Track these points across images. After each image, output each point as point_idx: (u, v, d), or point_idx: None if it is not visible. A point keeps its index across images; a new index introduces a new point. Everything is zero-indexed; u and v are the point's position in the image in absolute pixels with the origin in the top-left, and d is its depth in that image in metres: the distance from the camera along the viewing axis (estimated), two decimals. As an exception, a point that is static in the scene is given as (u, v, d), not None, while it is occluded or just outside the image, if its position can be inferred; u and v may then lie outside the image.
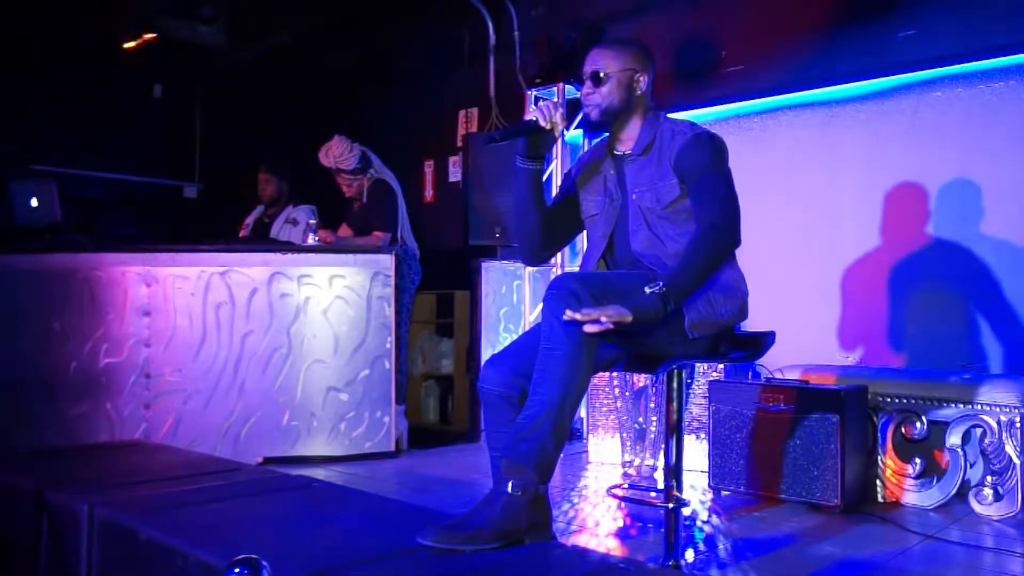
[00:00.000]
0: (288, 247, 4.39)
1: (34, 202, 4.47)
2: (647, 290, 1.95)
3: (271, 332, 4.12)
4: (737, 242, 2.12)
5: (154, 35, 6.28)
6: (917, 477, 3.24)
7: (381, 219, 4.51)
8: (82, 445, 3.61)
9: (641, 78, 2.24)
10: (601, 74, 2.22)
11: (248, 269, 4.13)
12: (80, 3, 5.98)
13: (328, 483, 2.51)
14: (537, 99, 5.02)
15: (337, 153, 4.46)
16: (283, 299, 4.15)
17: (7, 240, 4.55)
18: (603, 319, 1.86)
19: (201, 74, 7.49)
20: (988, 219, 3.70)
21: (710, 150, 2.15)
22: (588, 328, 1.86)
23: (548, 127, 2.16)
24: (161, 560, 1.69)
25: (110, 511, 1.92)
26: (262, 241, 4.86)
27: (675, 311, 2.00)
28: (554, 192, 2.47)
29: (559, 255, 4.83)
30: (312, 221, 4.67)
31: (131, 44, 6.24)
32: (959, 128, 3.78)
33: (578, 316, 1.85)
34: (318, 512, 2.03)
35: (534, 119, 2.16)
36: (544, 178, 4.88)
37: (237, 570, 1.25)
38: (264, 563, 1.26)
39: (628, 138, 2.27)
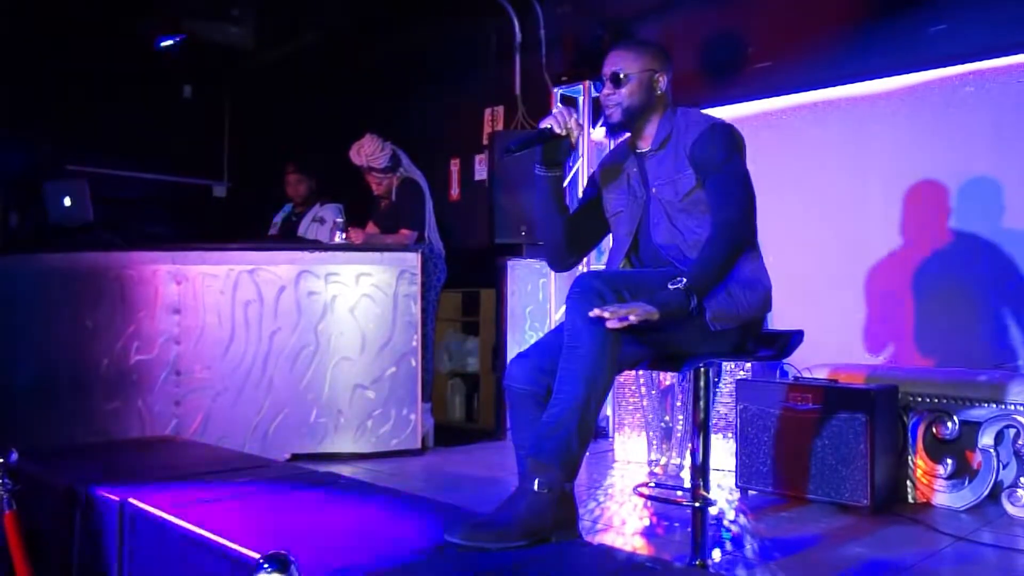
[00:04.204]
0: (315, 245, 4.43)
1: (67, 202, 4.54)
2: (671, 286, 1.97)
3: (299, 330, 4.16)
4: (752, 236, 2.14)
5: (183, 36, 6.35)
6: (948, 478, 3.20)
7: (409, 217, 4.53)
8: (114, 441, 3.66)
9: (660, 78, 2.24)
10: (621, 75, 2.22)
11: (276, 267, 4.17)
12: (111, 5, 6.06)
13: (355, 480, 2.53)
14: (563, 97, 5.01)
15: (369, 151, 4.49)
16: (310, 297, 4.18)
17: (41, 239, 4.63)
18: (632, 318, 1.86)
19: (230, 74, 7.56)
20: (1020, 216, 3.64)
21: (725, 143, 2.15)
22: (611, 324, 1.86)
23: (564, 134, 2.17)
24: (192, 554, 1.72)
25: (142, 506, 1.94)
26: (290, 240, 4.91)
27: (698, 306, 2.01)
28: (579, 193, 2.48)
29: (585, 254, 4.82)
30: (339, 219, 4.70)
31: (167, 43, 6.31)
32: (990, 124, 3.72)
33: (606, 314, 1.85)
34: (346, 509, 2.05)
35: (549, 126, 2.17)
36: (568, 179, 4.87)
37: (266, 565, 1.26)
38: (292, 558, 1.27)
39: (648, 135, 2.27)
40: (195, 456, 2.77)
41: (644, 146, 2.28)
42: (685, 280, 1.98)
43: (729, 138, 2.16)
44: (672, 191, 2.19)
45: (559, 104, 4.93)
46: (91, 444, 3.39)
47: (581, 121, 2.24)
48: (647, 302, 1.92)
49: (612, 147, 2.45)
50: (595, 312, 1.86)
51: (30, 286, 4.26)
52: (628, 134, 2.31)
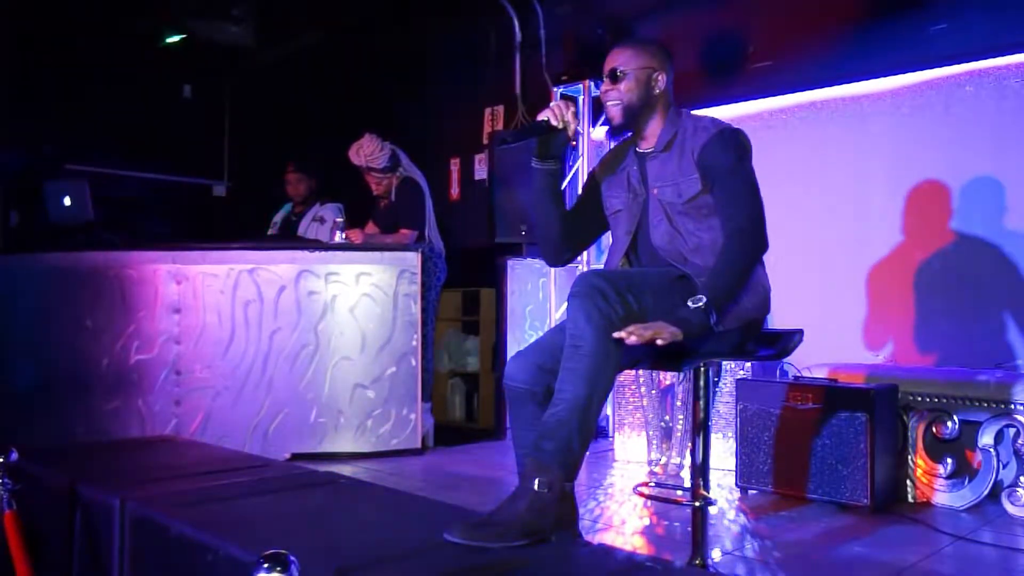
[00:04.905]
0: (315, 245, 4.43)
1: (67, 201, 4.54)
2: (691, 305, 1.98)
3: (299, 329, 4.16)
4: (765, 244, 2.14)
5: (184, 36, 6.35)
6: (948, 477, 3.20)
7: (409, 217, 4.53)
8: (114, 440, 3.66)
9: (660, 76, 2.24)
10: (619, 71, 2.22)
11: (276, 267, 4.17)
12: (111, 4, 6.06)
13: (355, 479, 2.52)
14: (563, 97, 5.01)
15: (368, 151, 4.49)
16: (311, 296, 4.18)
17: (41, 239, 4.64)
18: (659, 342, 1.89)
19: (230, 74, 7.57)
20: (1020, 215, 3.64)
21: (734, 149, 2.14)
22: (630, 341, 1.87)
23: (560, 126, 2.16)
24: (192, 554, 1.71)
25: (142, 506, 1.94)
26: (290, 239, 4.91)
27: (719, 321, 2.01)
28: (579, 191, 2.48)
29: (584, 253, 4.82)
30: (339, 219, 4.70)
31: (171, 41, 6.30)
32: (990, 124, 3.72)
33: (633, 339, 1.87)
34: (345, 508, 2.04)
35: (546, 119, 2.16)
36: (569, 178, 4.86)
37: (266, 565, 1.26)
38: (292, 558, 1.27)
39: (650, 135, 2.27)
40: (195, 456, 2.76)
41: (646, 146, 2.28)
42: (704, 298, 1.98)
43: (738, 144, 2.16)
44: (675, 193, 2.18)
45: (558, 97, 4.93)
46: (91, 444, 3.38)
47: (580, 119, 2.24)
48: (667, 321, 1.93)
49: (612, 145, 2.44)
50: (619, 334, 1.87)
51: (30, 286, 4.26)
52: (630, 135, 2.31)
